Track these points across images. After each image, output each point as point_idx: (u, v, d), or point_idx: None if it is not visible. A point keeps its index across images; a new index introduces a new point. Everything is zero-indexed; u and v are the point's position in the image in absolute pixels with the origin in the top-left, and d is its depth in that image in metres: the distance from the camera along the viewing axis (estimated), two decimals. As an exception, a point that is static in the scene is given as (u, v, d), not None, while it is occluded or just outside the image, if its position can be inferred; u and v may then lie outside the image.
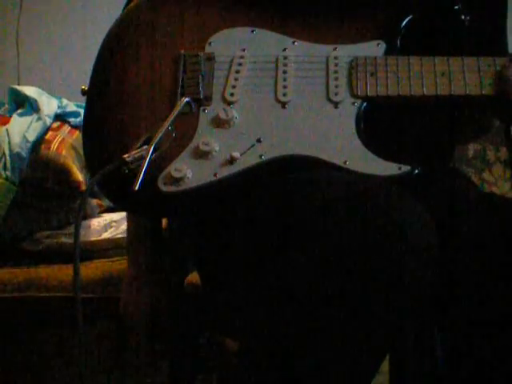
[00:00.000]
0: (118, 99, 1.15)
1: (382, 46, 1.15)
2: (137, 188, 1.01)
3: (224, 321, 1.32)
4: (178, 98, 1.12)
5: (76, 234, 1.01)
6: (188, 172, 1.07)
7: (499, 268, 1.04)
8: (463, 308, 1.07)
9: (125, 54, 1.18)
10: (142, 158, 1.03)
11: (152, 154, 1.04)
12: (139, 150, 1.05)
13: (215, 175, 1.08)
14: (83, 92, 1.18)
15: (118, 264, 1.97)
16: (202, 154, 1.09)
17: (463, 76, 1.10)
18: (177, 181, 1.07)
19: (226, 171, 1.08)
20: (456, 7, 1.19)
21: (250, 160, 1.08)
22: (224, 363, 1.83)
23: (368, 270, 0.91)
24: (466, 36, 1.20)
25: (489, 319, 1.06)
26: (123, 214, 2.24)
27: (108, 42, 1.20)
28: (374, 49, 1.15)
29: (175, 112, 1.08)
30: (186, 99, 1.11)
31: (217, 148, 1.09)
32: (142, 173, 1.01)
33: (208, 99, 1.13)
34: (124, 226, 2.18)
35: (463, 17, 1.19)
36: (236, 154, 1.08)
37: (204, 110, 1.13)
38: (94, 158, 1.14)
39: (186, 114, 1.11)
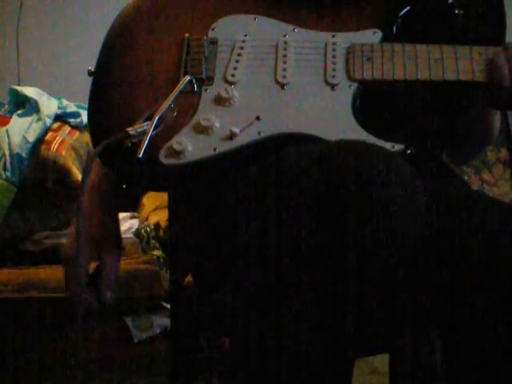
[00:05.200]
0: (123, 77, 1.19)
1: (379, 34, 1.19)
2: (140, 156, 1.04)
3: (220, 320, 1.33)
4: (181, 76, 1.16)
5: (77, 235, 1.01)
6: (188, 146, 1.10)
7: (493, 268, 1.04)
8: (463, 308, 1.07)
9: (132, 36, 1.22)
10: (145, 132, 1.07)
11: (155, 129, 1.07)
12: (142, 124, 1.08)
13: (215, 150, 1.11)
14: (89, 72, 1.21)
15: (117, 264, 1.97)
16: (202, 130, 1.12)
17: (456, 62, 1.14)
18: (177, 154, 1.10)
19: (225, 146, 1.11)
20: (450, 1, 1.22)
21: (249, 136, 1.12)
22: (224, 363, 1.84)
23: (358, 229, 0.93)
24: (460, 30, 1.23)
25: (488, 319, 1.06)
26: (124, 214, 2.25)
27: (117, 26, 1.25)
28: (370, 36, 1.19)
29: (178, 89, 1.12)
30: (189, 77, 1.14)
31: (217, 124, 1.13)
32: (146, 142, 1.04)
33: (210, 79, 1.17)
34: (124, 227, 2.19)
35: (457, 11, 1.22)
36: (236, 130, 1.11)
37: (206, 90, 1.16)
38: (97, 130, 1.17)
39: (189, 93, 1.15)
